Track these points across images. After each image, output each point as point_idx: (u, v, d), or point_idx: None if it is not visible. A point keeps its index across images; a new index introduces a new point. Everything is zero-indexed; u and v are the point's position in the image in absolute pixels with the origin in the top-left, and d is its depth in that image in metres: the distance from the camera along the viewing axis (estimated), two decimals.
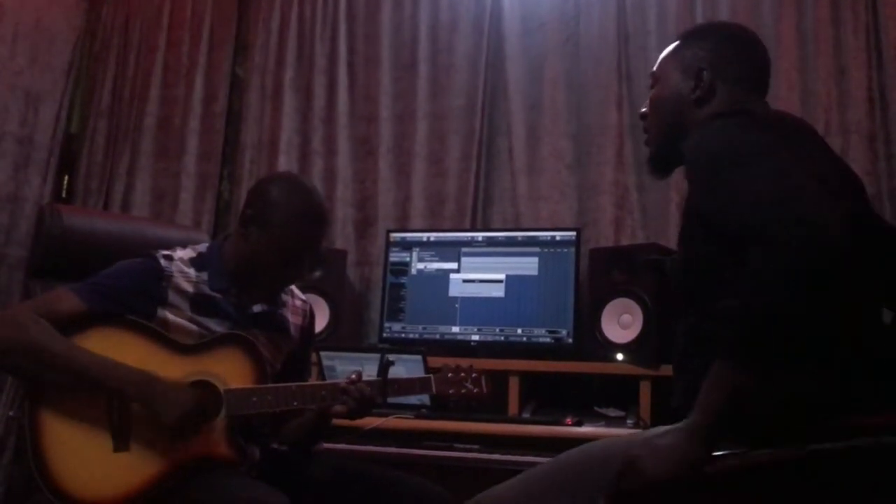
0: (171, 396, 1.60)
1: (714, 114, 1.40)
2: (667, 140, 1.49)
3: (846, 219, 1.07)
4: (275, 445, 1.89)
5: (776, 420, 1.15)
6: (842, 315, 1.12)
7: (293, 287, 1.94)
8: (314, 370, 2.43)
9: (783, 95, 2.75)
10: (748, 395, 1.11)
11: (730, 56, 1.48)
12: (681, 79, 1.48)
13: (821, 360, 1.14)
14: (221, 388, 1.67)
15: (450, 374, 1.90)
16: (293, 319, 1.92)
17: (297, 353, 1.93)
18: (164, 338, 1.71)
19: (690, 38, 1.53)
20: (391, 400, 1.86)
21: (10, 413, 1.94)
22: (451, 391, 1.89)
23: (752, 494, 1.16)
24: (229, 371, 1.70)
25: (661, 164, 1.56)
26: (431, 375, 1.90)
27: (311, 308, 2.00)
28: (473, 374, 1.91)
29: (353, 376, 1.77)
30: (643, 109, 1.59)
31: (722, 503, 1.18)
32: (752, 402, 1.12)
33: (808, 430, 1.13)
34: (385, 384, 1.80)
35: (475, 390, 1.90)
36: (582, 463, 1.32)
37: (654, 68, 1.57)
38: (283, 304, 1.90)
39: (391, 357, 1.90)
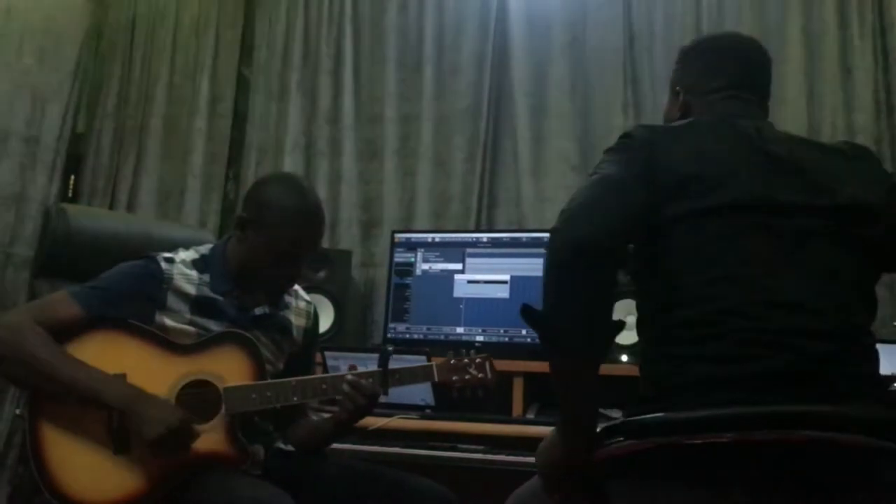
0: (153, 413, 1.58)
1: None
2: None
3: (596, 220, 1.19)
4: (279, 445, 1.89)
5: (644, 409, 1.20)
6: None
7: (297, 288, 1.94)
8: (318, 371, 2.43)
9: (789, 98, 2.75)
10: (564, 382, 1.23)
11: (698, 70, 1.52)
12: (670, 98, 1.56)
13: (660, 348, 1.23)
14: (220, 386, 1.67)
15: (452, 361, 1.84)
16: (296, 321, 1.91)
17: (300, 354, 1.93)
18: (162, 339, 1.70)
19: (676, 62, 1.59)
20: (396, 400, 1.85)
21: (17, 411, 1.94)
22: (454, 378, 1.83)
23: (622, 483, 1.22)
24: (228, 369, 1.70)
25: None
26: (434, 363, 1.85)
27: (314, 309, 1.99)
28: (477, 360, 1.84)
29: (351, 370, 1.77)
30: None
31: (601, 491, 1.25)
32: (578, 388, 1.22)
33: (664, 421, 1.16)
34: (386, 374, 1.78)
35: (480, 376, 1.83)
36: None
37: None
38: (287, 306, 1.89)
39: (390, 347, 1.86)
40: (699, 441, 1.10)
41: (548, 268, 1.25)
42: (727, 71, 1.51)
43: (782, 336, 1.16)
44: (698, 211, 1.23)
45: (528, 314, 1.22)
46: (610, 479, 1.23)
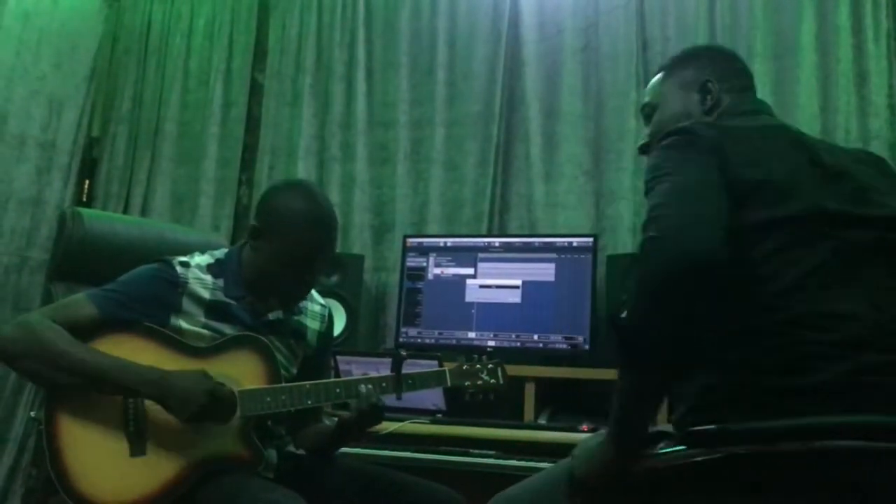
0: (187, 385, 1.60)
1: (665, 132, 1.40)
2: None
3: (707, 231, 1.12)
4: (291, 448, 1.89)
5: (704, 421, 1.16)
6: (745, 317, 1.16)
7: (312, 291, 1.94)
8: (331, 377, 2.44)
9: (803, 103, 2.74)
10: (637, 398, 1.17)
11: (727, 68, 1.52)
12: (684, 95, 1.51)
13: (720, 362, 1.17)
14: (235, 389, 1.68)
15: (465, 367, 1.85)
16: (311, 325, 1.92)
17: (315, 357, 1.93)
18: (177, 342, 1.71)
19: (681, 62, 1.56)
20: (408, 404, 1.85)
21: (31, 413, 1.96)
22: (467, 383, 1.84)
23: (677, 493, 1.18)
24: (243, 372, 1.71)
25: None
26: (446, 368, 1.85)
27: (329, 312, 2.00)
28: (489, 365, 1.86)
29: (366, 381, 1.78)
30: (642, 142, 1.57)
31: (648, 500, 1.21)
32: (650, 402, 1.17)
33: (732, 431, 1.13)
34: (399, 379, 1.78)
35: (492, 381, 1.85)
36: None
37: (649, 99, 1.57)
38: (301, 310, 1.90)
39: (404, 352, 1.86)
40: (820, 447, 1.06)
41: (651, 280, 1.14)
42: (744, 73, 1.53)
43: (842, 347, 1.14)
44: (769, 220, 1.19)
45: (620, 327, 1.15)
46: (674, 488, 1.19)
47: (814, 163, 1.28)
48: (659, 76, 1.58)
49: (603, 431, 1.24)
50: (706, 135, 1.27)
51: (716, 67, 1.51)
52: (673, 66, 1.56)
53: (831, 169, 1.28)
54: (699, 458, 1.13)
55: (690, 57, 1.56)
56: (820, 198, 1.23)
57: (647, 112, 1.57)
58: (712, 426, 1.14)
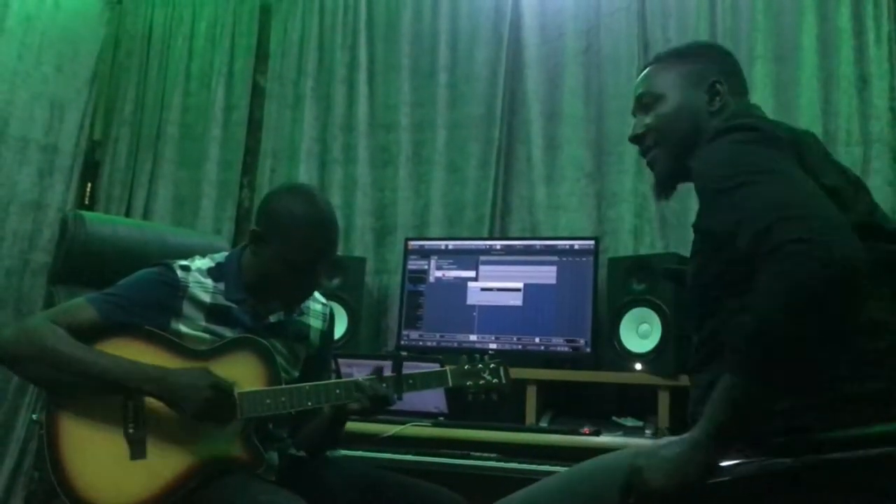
0: (190, 381, 1.62)
1: (724, 126, 1.37)
2: (681, 155, 1.46)
3: (853, 235, 1.06)
4: (293, 451, 1.89)
5: (788, 429, 1.15)
6: (853, 327, 1.12)
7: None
8: (332, 377, 2.44)
9: (804, 106, 2.74)
10: (752, 409, 1.11)
11: (733, 69, 1.50)
12: (691, 92, 1.47)
13: (831, 370, 1.15)
14: (235, 391, 1.68)
15: (467, 366, 1.83)
16: (314, 324, 1.93)
17: (317, 356, 1.94)
18: (177, 345, 1.72)
19: (685, 56, 1.53)
20: (410, 407, 1.85)
21: (34, 416, 1.96)
22: (468, 383, 1.82)
23: (767, 501, 1.16)
24: (243, 374, 1.71)
25: (669, 180, 1.52)
26: (448, 368, 1.83)
27: (331, 311, 2.00)
28: (491, 365, 1.84)
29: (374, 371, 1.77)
30: (639, 132, 1.52)
31: None
32: (760, 413, 1.12)
33: (820, 439, 1.13)
34: (400, 379, 1.78)
35: (494, 381, 1.82)
36: (595, 474, 1.31)
37: (649, 88, 1.52)
38: (303, 311, 1.90)
39: (403, 353, 1.86)
40: None
41: (804, 286, 1.04)
42: (742, 75, 1.52)
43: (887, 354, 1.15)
44: None
45: (754, 335, 1.08)
46: (763, 497, 1.17)
47: (843, 173, 1.29)
48: (659, 65, 1.53)
49: (672, 439, 1.18)
50: (782, 135, 1.24)
51: (722, 67, 1.49)
52: (677, 59, 1.52)
53: (854, 181, 1.29)
54: (791, 465, 1.11)
55: (695, 52, 1.53)
56: (861, 210, 1.23)
57: (647, 102, 1.51)
58: (801, 433, 1.13)
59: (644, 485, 1.15)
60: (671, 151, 1.48)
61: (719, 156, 1.27)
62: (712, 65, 1.49)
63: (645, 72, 1.56)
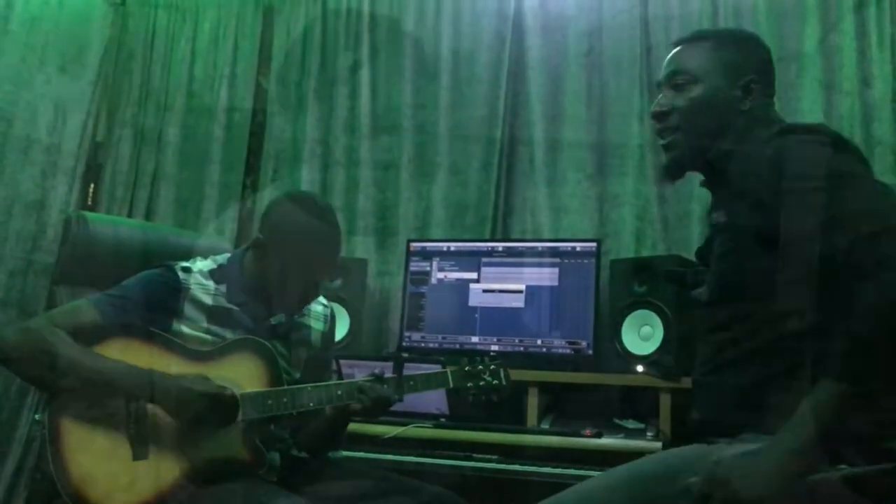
0: (182, 389, 1.62)
1: (787, 126, 1.35)
2: (702, 143, 1.44)
3: None
4: (294, 452, 1.90)
5: (873, 438, 1.15)
6: None
7: None
8: (333, 378, 2.44)
9: (806, 109, 2.74)
10: (854, 416, 1.12)
11: (768, 68, 1.48)
12: (727, 84, 1.44)
13: None
14: (237, 392, 1.68)
15: (467, 368, 1.85)
16: (315, 325, 1.93)
17: (318, 358, 1.94)
18: (179, 346, 1.72)
19: (731, 43, 1.49)
20: (411, 408, 1.85)
21: (36, 416, 1.97)
22: (469, 384, 1.83)
23: None
24: (244, 375, 1.71)
25: (681, 168, 1.50)
26: (448, 369, 1.85)
27: (332, 312, 2.01)
28: (492, 367, 1.85)
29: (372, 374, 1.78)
30: (665, 109, 1.48)
31: None
32: (859, 421, 1.13)
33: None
34: (401, 381, 1.79)
35: (494, 382, 1.84)
36: (657, 476, 1.29)
37: (685, 67, 1.47)
38: (304, 312, 1.91)
39: (404, 354, 1.87)
40: None
41: None
42: (773, 77, 1.49)
43: None
44: None
45: (864, 340, 1.10)
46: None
47: None
48: (699, 45, 1.49)
49: (750, 447, 1.18)
50: (852, 143, 1.24)
51: (760, 66, 1.46)
52: (718, 44, 1.48)
53: None
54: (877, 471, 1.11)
55: (737, 42, 1.50)
56: None
57: (680, 82, 1.47)
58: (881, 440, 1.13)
59: (735, 495, 1.14)
60: (693, 140, 1.46)
61: (790, 155, 1.25)
62: (753, 61, 1.46)
63: (682, 48, 1.51)
